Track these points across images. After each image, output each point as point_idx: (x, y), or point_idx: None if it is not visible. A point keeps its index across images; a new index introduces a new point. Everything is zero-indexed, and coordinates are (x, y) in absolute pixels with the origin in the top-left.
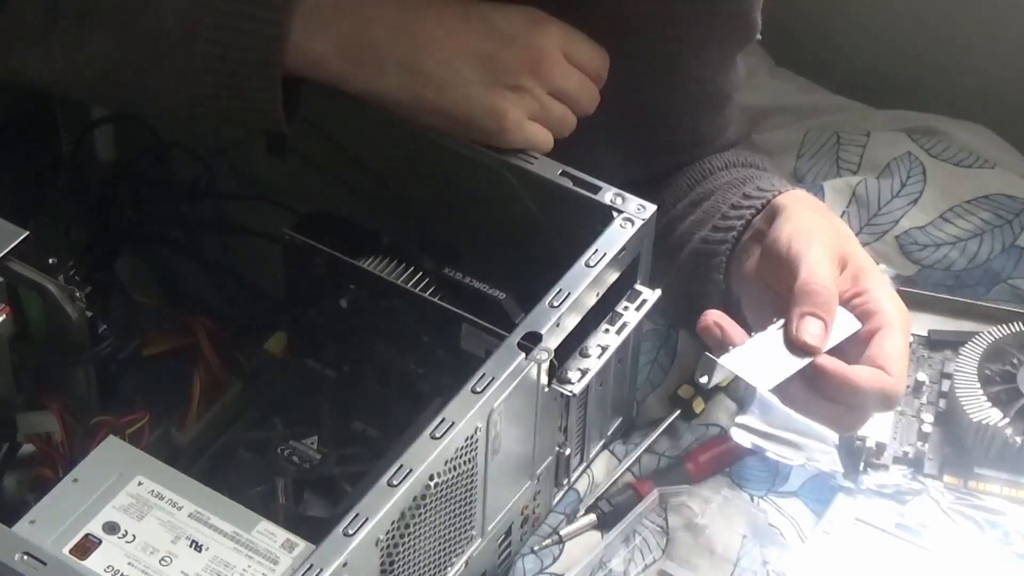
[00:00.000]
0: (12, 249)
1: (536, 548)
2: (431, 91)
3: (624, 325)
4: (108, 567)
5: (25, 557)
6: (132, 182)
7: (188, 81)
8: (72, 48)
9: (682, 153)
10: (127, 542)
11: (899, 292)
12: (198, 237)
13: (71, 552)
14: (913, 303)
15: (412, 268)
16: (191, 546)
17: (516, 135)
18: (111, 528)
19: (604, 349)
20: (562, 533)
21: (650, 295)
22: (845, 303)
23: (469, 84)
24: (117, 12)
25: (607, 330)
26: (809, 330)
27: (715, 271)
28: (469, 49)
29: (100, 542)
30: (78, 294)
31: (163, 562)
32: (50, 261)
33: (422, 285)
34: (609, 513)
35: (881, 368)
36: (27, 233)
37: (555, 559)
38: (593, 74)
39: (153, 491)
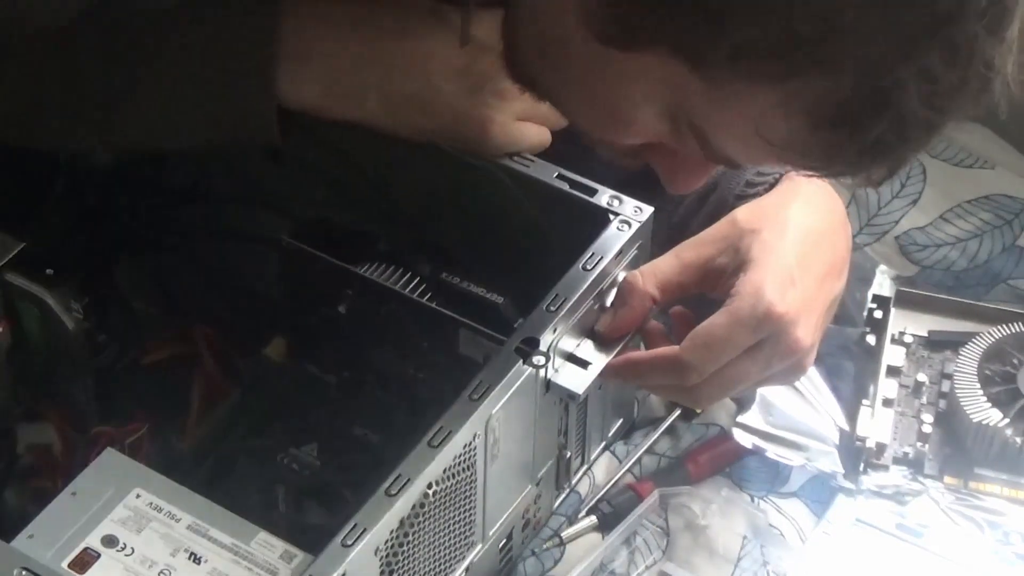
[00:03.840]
0: (8, 261)
1: (537, 550)
2: (414, 113)
3: None
4: None
5: (24, 572)
6: (129, 190)
7: (178, 122)
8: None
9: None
10: (126, 555)
11: (899, 293)
12: (196, 244)
13: (70, 566)
14: (913, 304)
15: (410, 273)
16: (190, 558)
17: (505, 140)
18: (110, 541)
19: (604, 351)
20: (563, 535)
21: None
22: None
23: (450, 99)
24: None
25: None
26: None
27: None
28: (445, 64)
29: (99, 556)
30: (75, 305)
31: (162, 575)
32: (47, 272)
33: (420, 290)
34: (609, 514)
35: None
36: (23, 245)
37: (556, 561)
38: None
39: (151, 503)
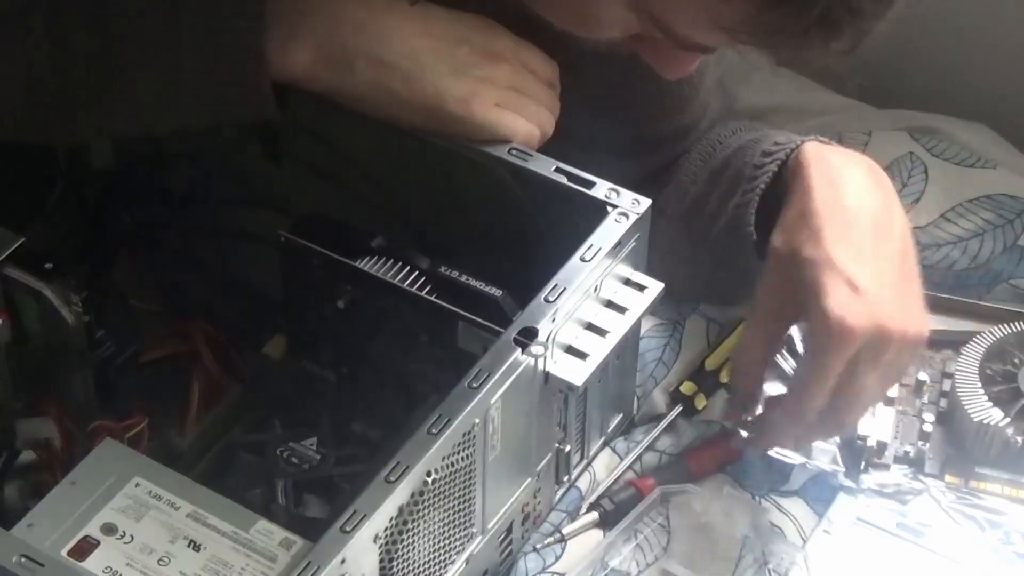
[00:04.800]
0: (8, 255)
1: (538, 547)
2: (399, 83)
3: (624, 318)
4: (106, 568)
5: (23, 559)
6: (128, 188)
7: (175, 101)
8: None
9: (672, 143)
10: (125, 543)
11: None
12: (195, 242)
13: (69, 554)
14: None
15: (408, 267)
16: (189, 546)
17: (486, 121)
18: (109, 529)
19: (604, 342)
20: (564, 532)
21: (652, 286)
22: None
23: (436, 73)
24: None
25: (607, 323)
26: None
27: (746, 224)
28: (431, 43)
29: (98, 543)
30: (74, 299)
31: (161, 562)
32: (46, 267)
33: (418, 284)
34: (611, 511)
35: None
36: (23, 239)
37: (557, 558)
38: (546, 81)
39: (151, 492)
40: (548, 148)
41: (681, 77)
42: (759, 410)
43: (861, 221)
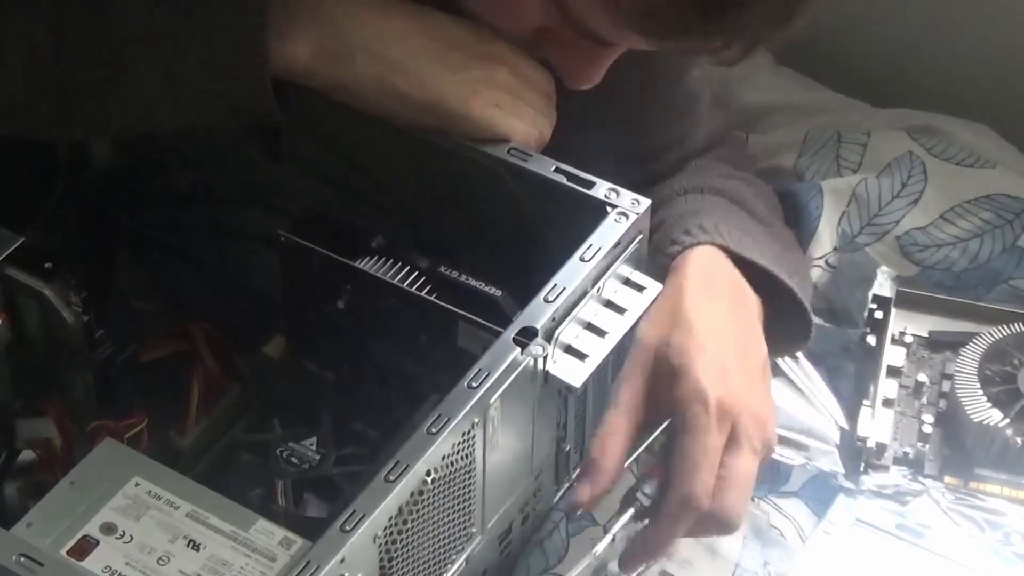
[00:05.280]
0: (8, 255)
1: (593, 550)
2: (399, 79)
3: (624, 319)
4: (106, 567)
5: (23, 559)
6: (128, 188)
7: (175, 99)
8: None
9: (653, 161)
10: (125, 542)
11: (900, 293)
12: (195, 242)
13: (69, 553)
14: (914, 304)
15: (408, 267)
16: (188, 545)
17: (485, 120)
18: (108, 529)
19: (603, 343)
20: (611, 528)
21: (652, 286)
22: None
23: (436, 71)
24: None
25: (606, 324)
26: None
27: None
28: (429, 43)
29: (98, 543)
30: (74, 299)
31: (161, 561)
32: (46, 266)
33: (418, 284)
34: (649, 507)
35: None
36: (22, 239)
37: (559, 559)
38: (542, 90)
39: (150, 491)
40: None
41: (587, 86)
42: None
43: (727, 331)
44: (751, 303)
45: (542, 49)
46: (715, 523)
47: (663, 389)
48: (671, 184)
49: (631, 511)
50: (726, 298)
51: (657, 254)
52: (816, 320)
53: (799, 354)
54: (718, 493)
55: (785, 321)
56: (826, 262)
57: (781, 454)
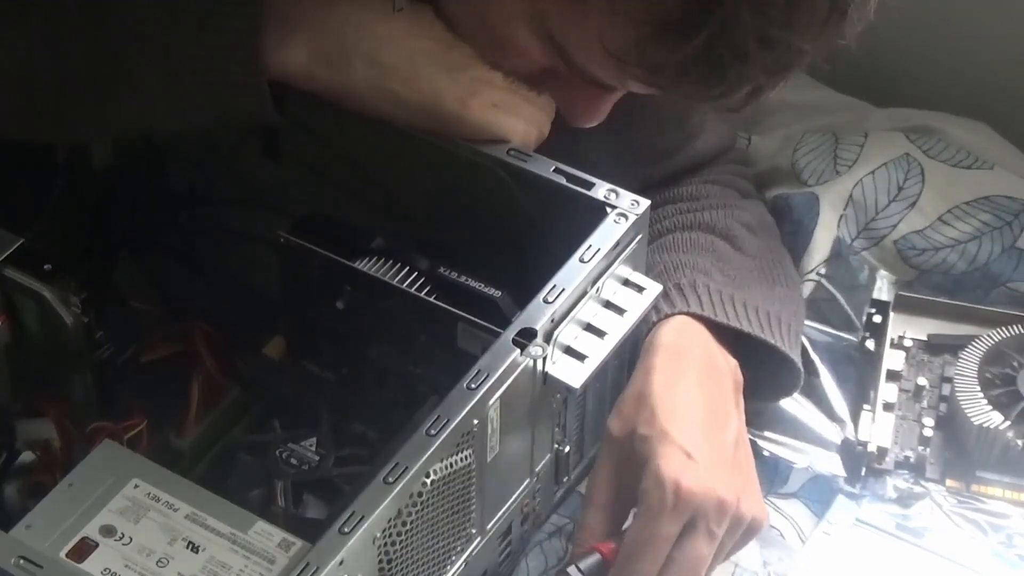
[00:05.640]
0: (7, 256)
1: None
2: (397, 82)
3: (623, 320)
4: (105, 569)
5: (22, 561)
6: (128, 189)
7: (172, 102)
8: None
9: (654, 164)
10: (124, 544)
11: (899, 297)
12: (195, 242)
13: (68, 555)
14: (912, 308)
15: (408, 268)
16: (188, 547)
17: (483, 120)
18: (108, 531)
19: (603, 344)
20: None
21: (651, 287)
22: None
23: (433, 73)
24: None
25: (606, 324)
26: None
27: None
28: (427, 44)
29: (97, 545)
30: (74, 300)
31: (160, 564)
32: (45, 268)
33: (418, 285)
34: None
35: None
36: (22, 240)
37: (560, 559)
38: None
39: (149, 493)
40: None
41: (590, 125)
42: None
43: (696, 412)
44: (724, 375)
45: (546, 86)
46: None
47: (633, 480)
48: (663, 220)
49: None
50: (695, 374)
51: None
52: (815, 325)
53: (811, 354)
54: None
55: (771, 371)
56: (824, 268)
57: (782, 456)
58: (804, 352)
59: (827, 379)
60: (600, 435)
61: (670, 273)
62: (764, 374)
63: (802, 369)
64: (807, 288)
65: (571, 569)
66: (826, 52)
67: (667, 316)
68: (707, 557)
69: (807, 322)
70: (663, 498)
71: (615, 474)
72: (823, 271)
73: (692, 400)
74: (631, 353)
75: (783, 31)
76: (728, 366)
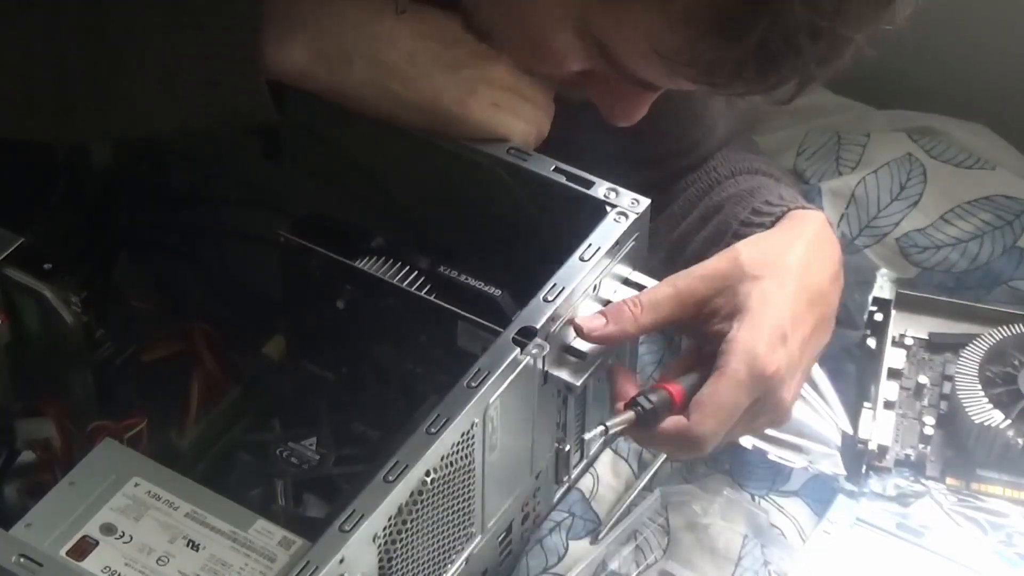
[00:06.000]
0: (7, 256)
1: (586, 436)
2: (396, 82)
3: None
4: (105, 568)
5: (22, 559)
6: (128, 189)
7: (172, 102)
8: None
9: (675, 159)
10: (124, 543)
11: (900, 295)
12: (195, 243)
13: (68, 554)
14: (914, 306)
15: (407, 267)
16: (188, 545)
17: (483, 119)
18: (108, 529)
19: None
20: (607, 424)
21: (651, 286)
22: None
23: (433, 73)
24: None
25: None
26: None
27: None
28: (427, 44)
29: (97, 543)
30: (74, 299)
31: (160, 562)
32: (45, 267)
33: (418, 284)
34: (649, 412)
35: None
36: (22, 240)
37: (559, 558)
38: (540, 83)
39: (150, 492)
40: (545, 154)
41: (629, 124)
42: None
43: (811, 285)
44: (834, 246)
45: (582, 90)
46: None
47: (721, 306)
48: (716, 168)
49: (630, 414)
50: (831, 267)
51: (746, 226)
52: None
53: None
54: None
55: None
56: None
57: (782, 456)
58: None
59: (828, 377)
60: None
61: (763, 191)
62: None
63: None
64: None
65: (641, 399)
66: (873, 39)
67: (786, 211)
68: (738, 433)
69: None
70: (752, 372)
71: (710, 283)
72: None
73: (810, 276)
74: (632, 352)
75: (833, 21)
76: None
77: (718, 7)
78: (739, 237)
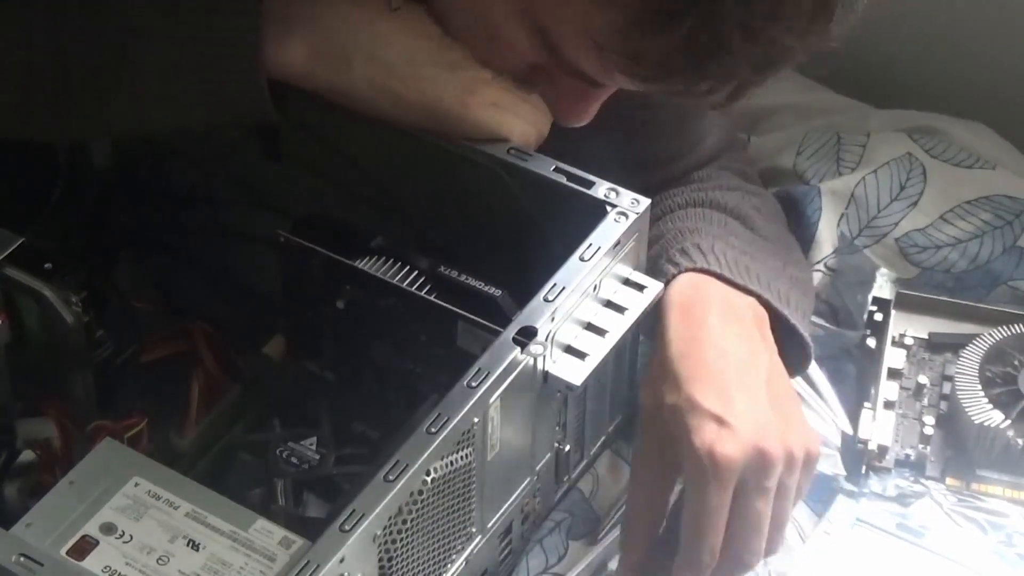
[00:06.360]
0: (8, 255)
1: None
2: (396, 81)
3: (624, 318)
4: (106, 567)
5: (22, 559)
6: (128, 189)
7: (172, 101)
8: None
9: (660, 169)
10: (124, 542)
11: (900, 295)
12: (195, 243)
13: (68, 553)
14: (914, 306)
15: (408, 267)
16: (188, 545)
17: (483, 119)
18: (108, 529)
19: (603, 342)
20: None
21: (652, 286)
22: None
23: (432, 72)
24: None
25: (606, 323)
26: None
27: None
28: (426, 44)
29: (97, 543)
30: (74, 299)
31: (160, 561)
32: (46, 267)
33: (418, 284)
34: None
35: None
36: (22, 239)
37: (560, 558)
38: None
39: (150, 491)
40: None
41: (578, 124)
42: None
43: (720, 362)
44: (744, 312)
45: (535, 85)
46: (732, 567)
47: (673, 454)
48: (674, 196)
49: None
50: (713, 320)
51: (652, 273)
52: (816, 322)
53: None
54: (727, 543)
55: (783, 346)
56: (825, 265)
57: None
58: None
59: (828, 377)
60: (601, 433)
61: (678, 239)
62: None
63: (812, 345)
64: (816, 277)
65: None
66: (813, 51)
67: (675, 276)
68: (765, 513)
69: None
70: (703, 471)
71: (655, 444)
72: (831, 263)
73: (714, 350)
74: (632, 352)
75: (768, 24)
76: (746, 302)
77: None
78: (660, 274)
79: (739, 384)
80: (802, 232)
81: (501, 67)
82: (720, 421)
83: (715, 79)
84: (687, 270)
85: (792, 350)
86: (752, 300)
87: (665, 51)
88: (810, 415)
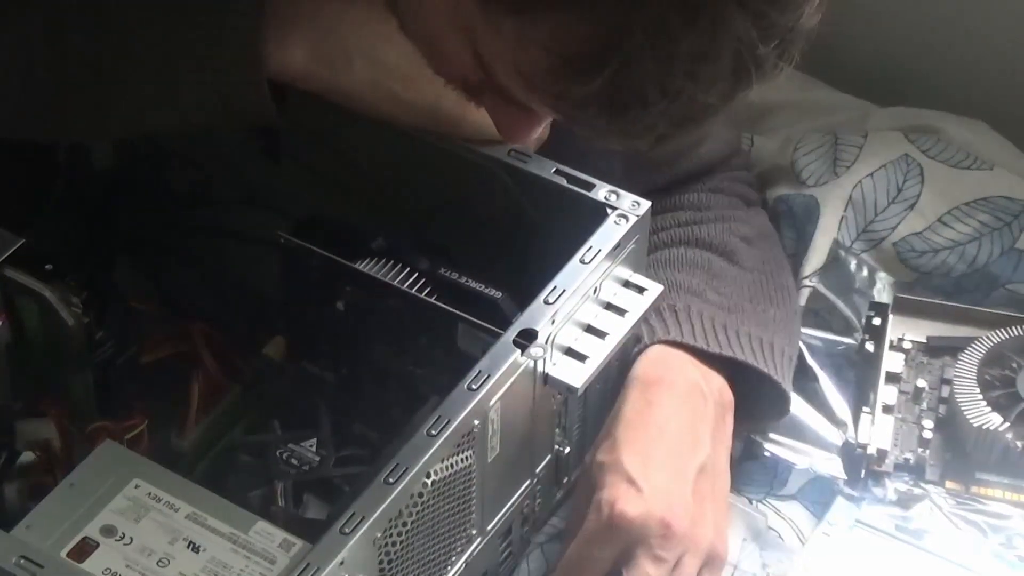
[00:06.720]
0: (8, 256)
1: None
2: (397, 83)
3: (624, 320)
4: (106, 569)
5: (23, 560)
6: (128, 190)
7: (171, 102)
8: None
9: (650, 174)
10: (124, 544)
11: (897, 299)
12: (195, 243)
13: (69, 555)
14: (911, 310)
15: (408, 269)
16: (188, 547)
17: (481, 118)
18: (108, 531)
19: (603, 344)
20: None
21: (652, 288)
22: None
23: (432, 73)
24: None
25: (606, 325)
26: None
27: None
28: None
29: (97, 545)
30: (74, 300)
31: (160, 563)
32: (46, 268)
33: (418, 286)
34: None
35: None
36: (23, 240)
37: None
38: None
39: (150, 493)
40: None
41: (518, 144)
42: None
43: (659, 439)
44: (704, 401)
45: (480, 99)
46: None
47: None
48: (662, 231)
49: None
50: (669, 401)
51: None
52: (812, 333)
53: (808, 360)
54: None
55: (763, 396)
56: (823, 270)
57: (784, 457)
58: (801, 359)
59: (827, 382)
60: None
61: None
62: (755, 399)
63: (790, 396)
64: (804, 295)
65: None
66: (739, 105)
67: (646, 347)
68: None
69: (805, 329)
70: (596, 520)
71: (583, 504)
72: (827, 270)
73: (656, 428)
74: (632, 353)
75: (687, 83)
76: (711, 389)
77: (572, 43)
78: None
79: (667, 462)
80: (800, 237)
81: (447, 77)
82: (633, 483)
83: (633, 128)
84: (658, 342)
85: (774, 400)
86: (721, 382)
87: (584, 97)
88: (811, 417)
